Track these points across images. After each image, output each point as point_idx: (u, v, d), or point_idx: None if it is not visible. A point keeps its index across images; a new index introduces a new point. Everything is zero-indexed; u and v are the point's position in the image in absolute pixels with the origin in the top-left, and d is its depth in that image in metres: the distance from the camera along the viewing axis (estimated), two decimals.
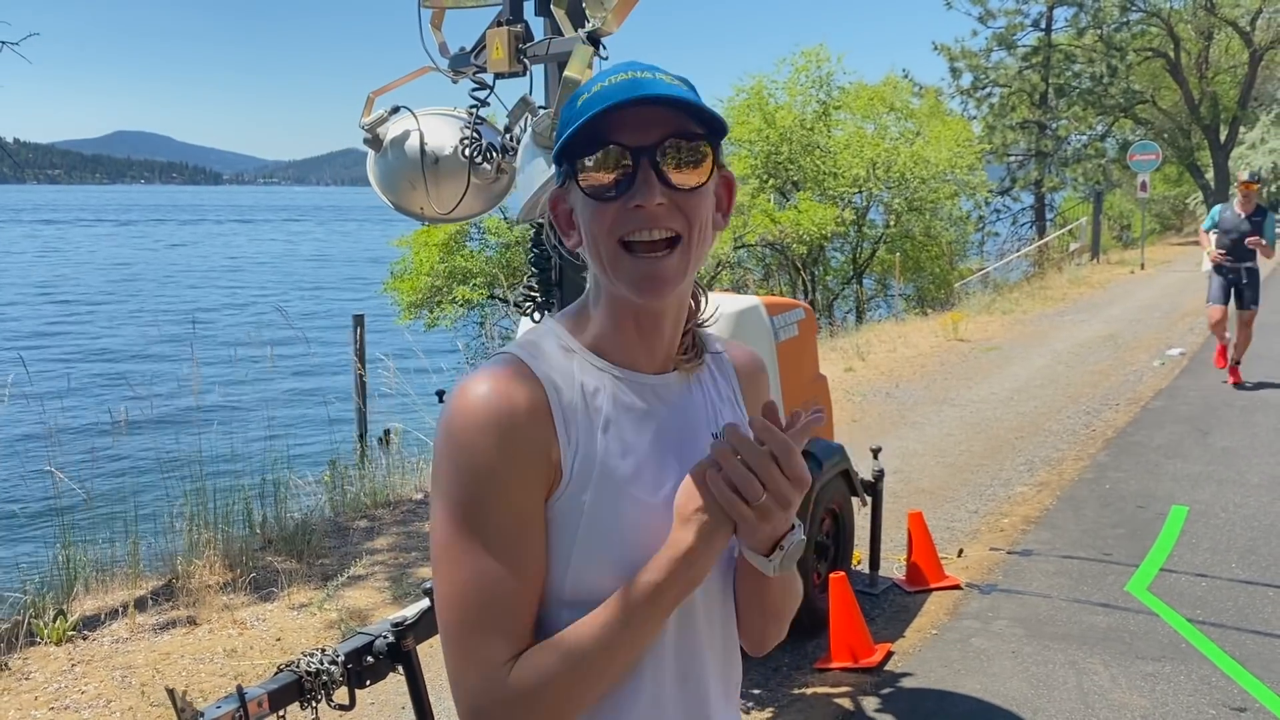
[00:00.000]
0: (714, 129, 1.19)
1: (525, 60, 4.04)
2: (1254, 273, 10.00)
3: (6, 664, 4.56)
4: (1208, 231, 10.15)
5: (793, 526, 1.19)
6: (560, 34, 3.93)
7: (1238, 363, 10.18)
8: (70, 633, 4.85)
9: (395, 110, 4.28)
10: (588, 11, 3.81)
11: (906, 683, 4.34)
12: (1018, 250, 28.50)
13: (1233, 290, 10.02)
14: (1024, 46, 30.92)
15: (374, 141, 4.22)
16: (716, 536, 1.15)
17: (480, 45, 4.22)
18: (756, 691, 4.31)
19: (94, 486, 6.23)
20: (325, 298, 36.85)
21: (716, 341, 1.43)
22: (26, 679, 4.49)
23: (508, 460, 1.14)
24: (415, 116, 4.12)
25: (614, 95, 1.15)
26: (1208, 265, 10.19)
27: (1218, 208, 10.20)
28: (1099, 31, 30.13)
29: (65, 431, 6.82)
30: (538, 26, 4.16)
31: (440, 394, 4.53)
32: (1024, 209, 33.04)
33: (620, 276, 1.18)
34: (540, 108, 3.85)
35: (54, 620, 4.87)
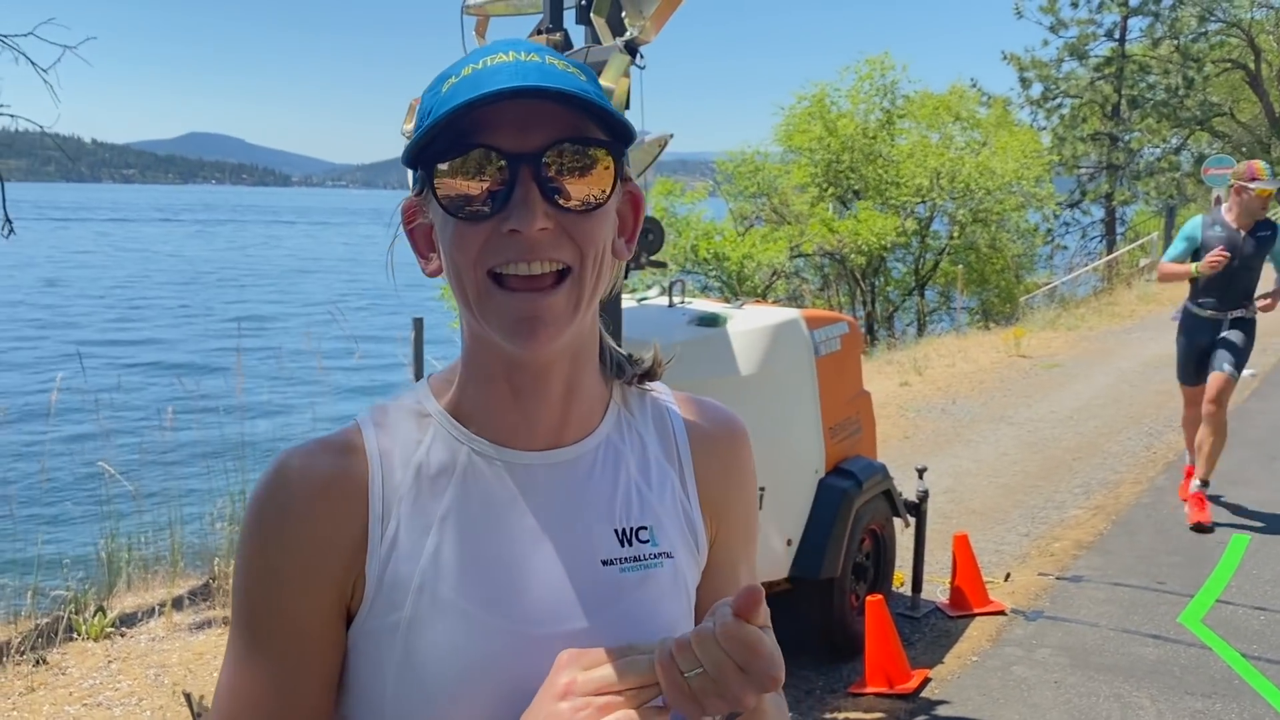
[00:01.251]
0: (618, 134, 0.93)
1: None
2: (1247, 326, 6.50)
3: (45, 658, 4.63)
4: (1179, 260, 6.49)
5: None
6: (599, 43, 3.90)
7: (1205, 483, 6.49)
8: (109, 629, 4.91)
9: None
10: (626, 20, 3.77)
11: (943, 710, 4.22)
12: (1086, 265, 27.93)
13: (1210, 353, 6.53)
14: (1096, 57, 30.30)
15: None
16: None
17: None
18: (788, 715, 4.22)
19: (142, 485, 6.32)
20: (384, 301, 37.30)
21: (676, 401, 1.11)
22: (63, 674, 4.55)
23: (289, 557, 0.93)
24: None
25: (487, 82, 0.87)
26: (1176, 312, 7.01)
27: (1196, 221, 6.52)
28: (1175, 42, 29.42)
29: (118, 430, 6.94)
30: (579, 36, 4.14)
31: None
32: (1094, 222, 32.35)
33: (490, 318, 0.92)
34: None
35: (94, 616, 4.93)
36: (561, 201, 0.90)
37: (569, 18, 4.13)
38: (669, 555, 1.02)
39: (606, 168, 0.92)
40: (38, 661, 4.59)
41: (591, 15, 3.94)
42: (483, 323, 0.93)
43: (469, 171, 0.89)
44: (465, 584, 0.94)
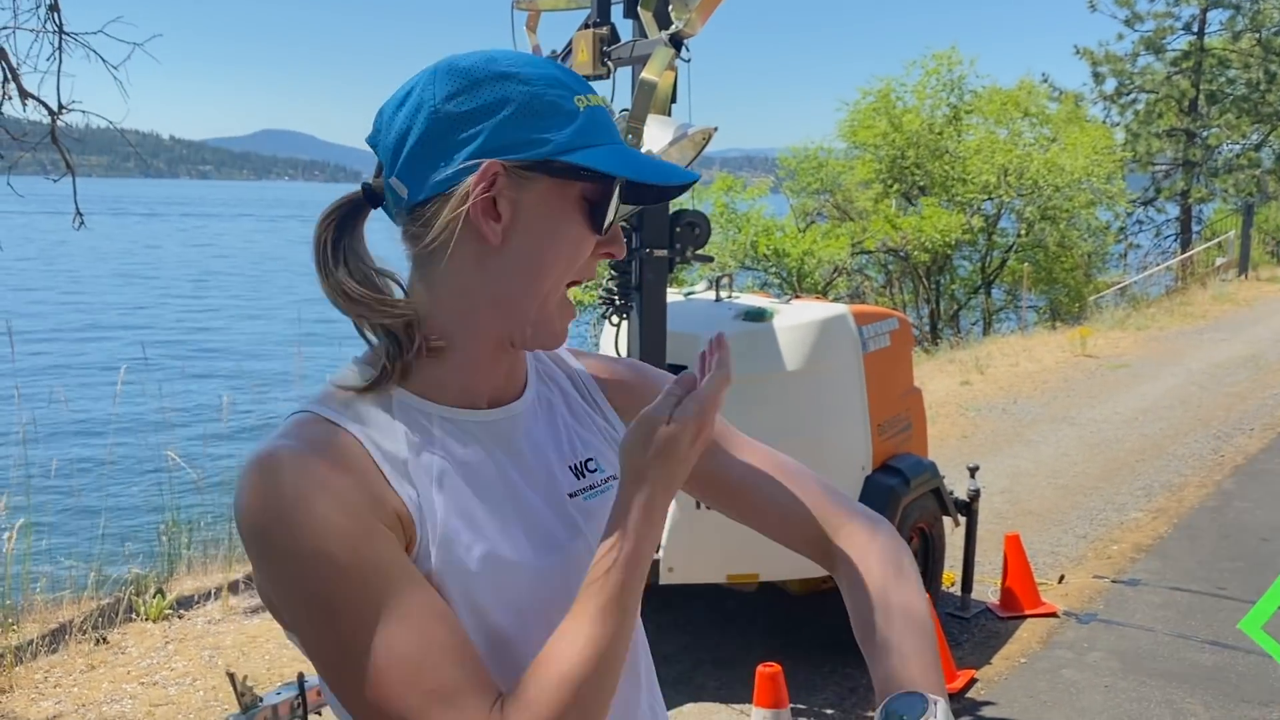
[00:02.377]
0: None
1: (609, 63, 4.02)
2: None
3: (106, 638, 4.77)
4: None
5: None
6: (645, 36, 3.91)
7: None
8: (167, 611, 5.05)
9: None
10: (672, 13, 3.77)
11: (987, 711, 4.16)
12: (1160, 264, 27.26)
13: None
14: (1173, 51, 29.52)
15: None
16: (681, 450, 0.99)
17: (569, 48, 4.23)
18: (830, 712, 4.20)
19: (205, 471, 6.48)
20: None
21: (572, 354, 1.26)
22: (123, 653, 4.69)
23: (350, 514, 0.92)
24: None
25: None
26: None
27: None
28: (1257, 35, 28.55)
29: (180, 419, 7.11)
30: (625, 29, 4.15)
31: None
32: (1168, 220, 31.56)
33: (544, 317, 1.04)
34: (622, 110, 3.81)
35: (153, 598, 5.07)
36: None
37: (616, 11, 4.15)
38: (614, 477, 1.15)
39: None
40: (99, 640, 4.74)
41: (639, 8, 3.95)
42: (539, 317, 1.04)
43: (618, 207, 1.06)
44: (474, 527, 1.01)
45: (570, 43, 4.18)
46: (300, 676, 3.21)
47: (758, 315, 4.43)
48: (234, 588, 5.36)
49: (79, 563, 5.53)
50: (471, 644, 0.95)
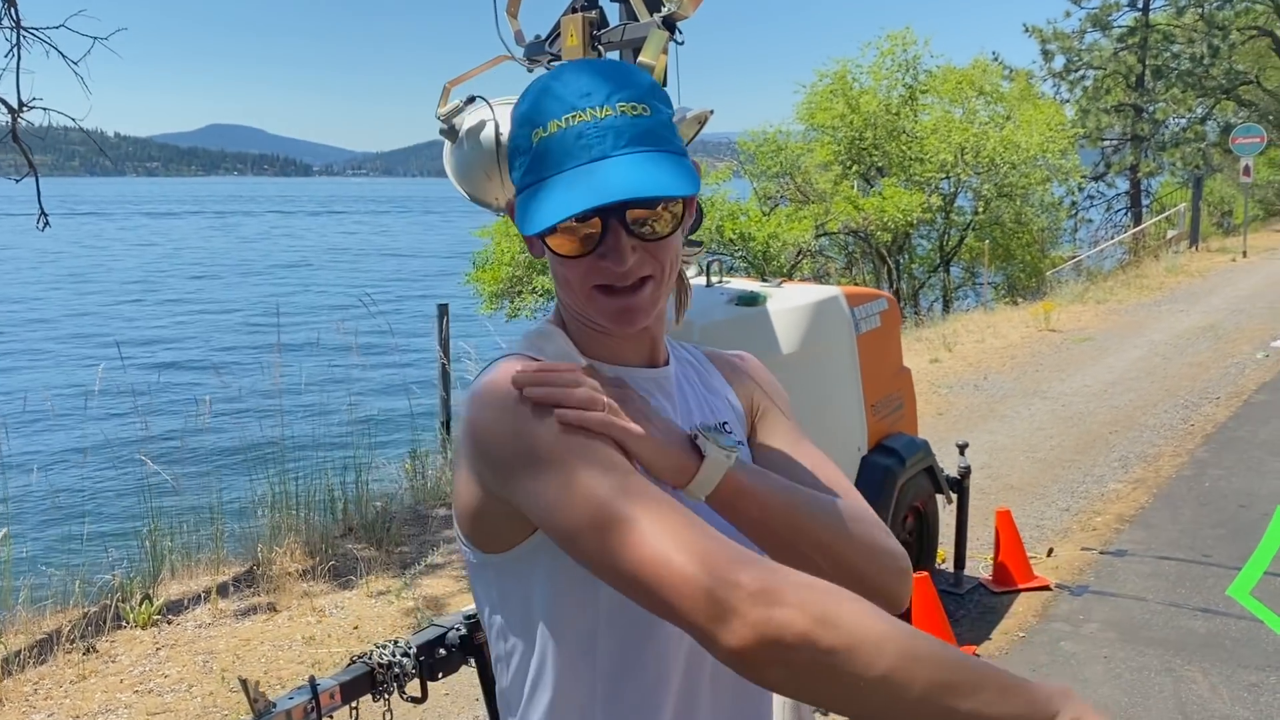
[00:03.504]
0: (686, 177, 1.11)
1: (600, 47, 3.97)
2: None
3: (95, 646, 4.67)
4: None
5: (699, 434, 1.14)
6: (635, 19, 3.86)
7: None
8: (156, 617, 4.95)
9: (471, 100, 4.23)
10: None
11: None
12: (1112, 238, 27.64)
13: None
14: (1120, 27, 29.90)
15: (450, 132, 4.18)
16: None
17: (555, 33, 4.16)
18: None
19: (183, 475, 6.36)
20: (411, 288, 37.41)
21: (700, 351, 1.39)
22: (113, 661, 4.59)
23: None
24: (490, 106, 4.04)
25: (578, 153, 1.08)
26: None
27: None
28: (1200, 10, 28.99)
29: (156, 421, 6.98)
30: (613, 13, 4.10)
31: None
32: (1119, 195, 32.02)
33: (595, 311, 1.15)
34: None
35: (140, 604, 4.97)
36: (644, 234, 1.11)
37: None
38: (741, 443, 1.29)
39: (676, 205, 1.12)
40: (88, 650, 4.64)
41: None
42: (589, 312, 1.16)
43: (571, 225, 1.09)
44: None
45: (557, 26, 4.12)
46: (312, 680, 3.15)
47: (751, 300, 4.41)
48: (222, 590, 5.27)
49: (60, 571, 5.41)
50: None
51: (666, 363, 1.27)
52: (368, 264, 52.42)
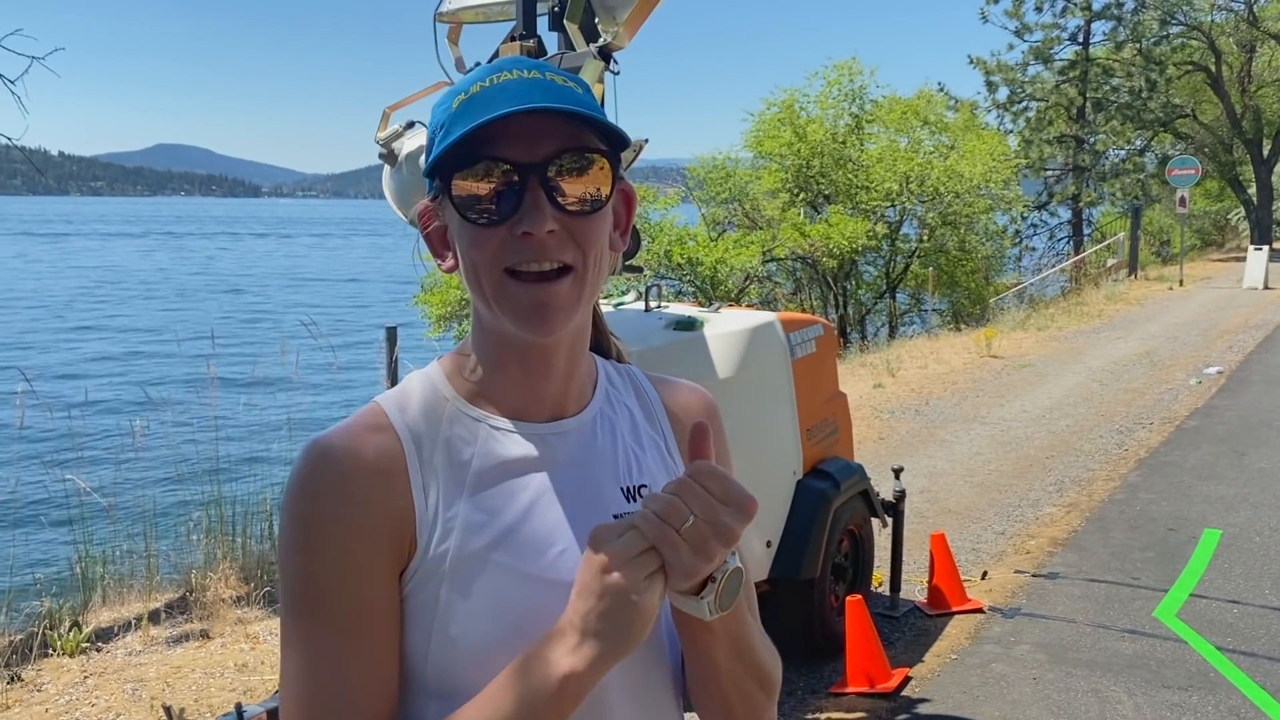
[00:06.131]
0: (613, 140, 1.04)
1: None
2: None
3: (19, 675, 4.57)
4: None
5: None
6: (572, 48, 3.91)
7: None
8: (84, 644, 4.86)
9: (410, 125, 4.26)
10: (600, 26, 3.79)
11: (924, 709, 4.24)
12: (1054, 266, 28.17)
13: None
14: (1061, 60, 30.62)
15: (389, 157, 4.20)
16: (630, 607, 0.92)
17: (495, 60, 4.20)
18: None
19: (116, 497, 6.26)
20: (359, 311, 37.08)
21: (649, 380, 1.24)
22: (39, 690, 4.50)
23: (349, 532, 0.99)
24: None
25: (500, 102, 0.98)
26: None
27: None
28: (1138, 45, 29.77)
29: (89, 444, 6.86)
30: (551, 42, 4.15)
31: None
32: (1061, 224, 32.66)
33: (505, 309, 1.02)
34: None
35: (69, 631, 4.88)
36: (565, 204, 1.01)
37: (542, 24, 4.14)
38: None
39: (603, 169, 1.03)
40: (12, 679, 4.54)
41: (565, 21, 3.94)
42: (499, 313, 1.03)
43: (483, 181, 1.00)
44: (500, 543, 1.04)
45: (496, 53, 4.16)
46: (239, 707, 3.12)
47: (688, 324, 4.46)
48: (154, 617, 5.18)
49: None
50: (381, 693, 1.00)
51: (587, 406, 1.14)
52: (305, 285, 51.94)
